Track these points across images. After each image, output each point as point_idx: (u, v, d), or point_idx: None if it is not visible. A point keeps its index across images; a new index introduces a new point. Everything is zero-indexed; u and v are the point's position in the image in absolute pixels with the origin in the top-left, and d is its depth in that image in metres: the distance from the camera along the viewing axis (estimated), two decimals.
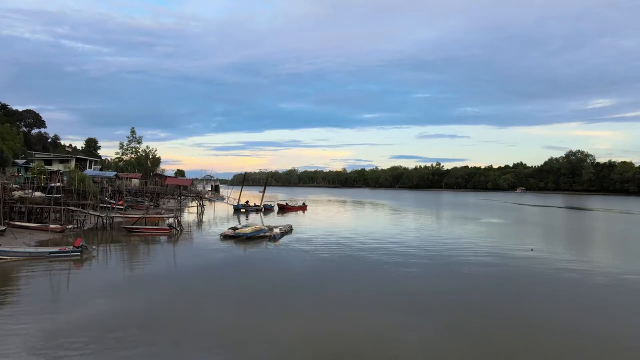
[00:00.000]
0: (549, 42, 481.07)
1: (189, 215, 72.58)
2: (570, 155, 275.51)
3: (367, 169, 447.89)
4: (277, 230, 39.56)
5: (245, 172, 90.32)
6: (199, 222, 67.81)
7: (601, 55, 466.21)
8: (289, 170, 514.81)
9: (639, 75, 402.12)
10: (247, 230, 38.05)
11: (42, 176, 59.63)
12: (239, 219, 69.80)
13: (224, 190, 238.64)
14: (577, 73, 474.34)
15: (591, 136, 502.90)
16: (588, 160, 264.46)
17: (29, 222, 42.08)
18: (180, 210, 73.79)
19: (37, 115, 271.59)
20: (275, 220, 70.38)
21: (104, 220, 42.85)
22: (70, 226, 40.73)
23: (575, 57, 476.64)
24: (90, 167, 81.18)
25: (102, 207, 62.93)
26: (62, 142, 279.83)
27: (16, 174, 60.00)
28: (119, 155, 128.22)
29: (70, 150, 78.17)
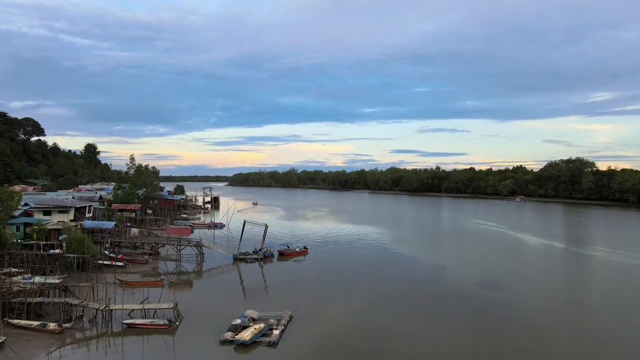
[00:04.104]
0: (550, 34, 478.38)
1: (189, 264, 72.68)
2: (570, 162, 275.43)
3: (368, 165, 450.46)
4: (276, 332, 39.40)
5: (245, 221, 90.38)
6: (199, 273, 68.25)
7: (602, 48, 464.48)
8: (289, 171, 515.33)
9: None
10: (247, 337, 37.89)
11: (41, 242, 59.65)
12: (239, 270, 69.92)
13: (223, 199, 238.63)
14: (578, 66, 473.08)
15: (592, 130, 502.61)
16: (588, 169, 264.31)
17: (28, 316, 42.04)
18: (180, 259, 73.91)
19: (37, 123, 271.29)
20: (275, 270, 70.57)
21: (104, 313, 42.66)
22: (68, 325, 40.59)
23: (576, 50, 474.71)
24: (89, 211, 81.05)
25: (101, 264, 63.25)
26: (62, 149, 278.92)
27: (16, 240, 59.81)
28: (125, 171, 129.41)
29: (68, 203, 77.59)
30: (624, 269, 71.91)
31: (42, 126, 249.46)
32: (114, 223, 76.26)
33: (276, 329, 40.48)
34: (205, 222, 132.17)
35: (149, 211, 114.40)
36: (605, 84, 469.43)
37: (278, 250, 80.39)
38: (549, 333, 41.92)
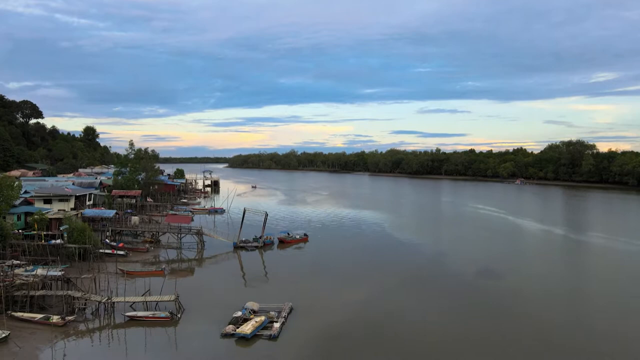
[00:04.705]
0: (552, 14, 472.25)
1: (190, 251, 73.25)
2: (570, 144, 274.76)
3: (368, 147, 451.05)
4: (276, 326, 39.86)
5: (245, 208, 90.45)
6: (200, 261, 68.87)
7: (605, 27, 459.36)
8: (289, 153, 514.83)
9: None
10: (248, 330, 38.36)
11: (43, 232, 59.91)
12: (239, 258, 70.45)
13: (223, 182, 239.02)
14: (581, 46, 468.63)
15: (593, 110, 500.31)
16: (588, 151, 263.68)
17: (31, 309, 42.51)
18: (181, 247, 74.37)
19: (35, 105, 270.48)
20: (275, 258, 71.09)
21: (106, 306, 43.13)
22: (71, 317, 41.07)
23: (578, 30, 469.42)
24: (90, 199, 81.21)
25: (102, 253, 63.74)
26: (61, 132, 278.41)
27: (17, 230, 60.11)
28: (125, 155, 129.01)
29: (68, 192, 77.60)
30: (622, 257, 72.31)
31: (41, 108, 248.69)
32: (114, 212, 76.47)
33: (276, 321, 40.95)
34: (206, 207, 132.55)
35: (150, 200, 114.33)
36: (608, 64, 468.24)
37: (278, 238, 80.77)
38: (547, 321, 42.36)
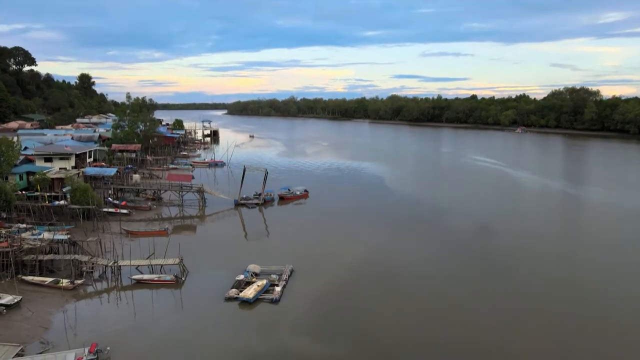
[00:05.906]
0: None
1: (192, 208, 74.52)
2: (573, 91, 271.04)
3: (368, 92, 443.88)
4: (277, 289, 41.35)
5: (245, 167, 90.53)
6: (202, 219, 70.30)
7: None
8: (288, 100, 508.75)
9: None
10: (250, 294, 39.86)
11: (46, 194, 60.61)
12: (240, 217, 71.78)
13: (222, 131, 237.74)
14: None
15: (599, 52, 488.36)
16: (591, 98, 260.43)
17: (41, 273, 43.94)
18: (183, 205, 75.44)
19: (27, 53, 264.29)
20: (276, 216, 72.46)
21: (113, 269, 44.53)
22: (80, 281, 42.54)
23: None
24: (90, 156, 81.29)
25: (105, 212, 64.89)
26: (56, 80, 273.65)
27: (20, 192, 60.78)
28: (116, 122, 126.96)
29: (69, 150, 77.56)
30: (618, 213, 73.51)
31: (33, 52, 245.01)
32: (115, 169, 76.71)
33: (277, 285, 42.46)
34: (206, 160, 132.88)
35: (149, 157, 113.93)
36: (619, 2, 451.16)
37: (279, 195, 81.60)
38: (539, 279, 43.95)
